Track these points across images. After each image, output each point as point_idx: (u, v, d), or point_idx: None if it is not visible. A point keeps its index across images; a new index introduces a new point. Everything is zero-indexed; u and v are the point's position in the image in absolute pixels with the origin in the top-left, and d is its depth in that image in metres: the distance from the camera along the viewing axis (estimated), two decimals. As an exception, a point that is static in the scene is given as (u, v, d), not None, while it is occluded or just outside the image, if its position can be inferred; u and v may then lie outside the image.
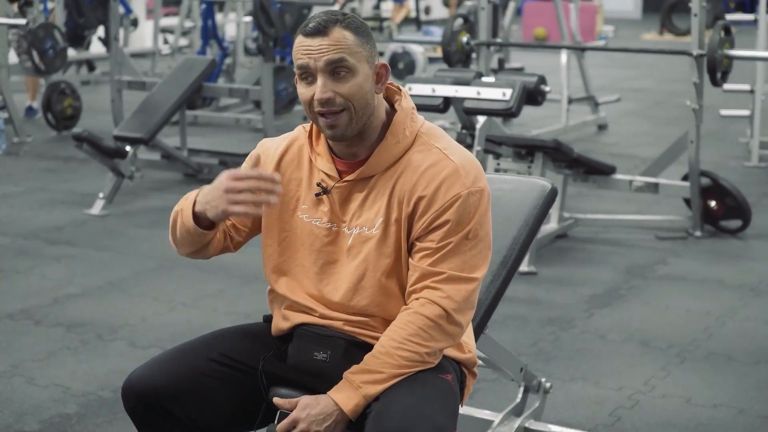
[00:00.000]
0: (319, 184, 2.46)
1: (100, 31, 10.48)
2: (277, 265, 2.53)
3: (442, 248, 2.37)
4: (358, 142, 2.42)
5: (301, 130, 2.55)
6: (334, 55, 2.33)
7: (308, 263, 2.48)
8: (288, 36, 9.65)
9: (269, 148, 2.55)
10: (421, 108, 5.49)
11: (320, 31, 2.33)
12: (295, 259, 2.50)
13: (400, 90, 2.50)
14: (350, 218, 2.44)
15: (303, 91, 2.38)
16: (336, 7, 13.17)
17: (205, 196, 2.38)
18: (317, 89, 2.34)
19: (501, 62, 9.95)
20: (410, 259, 2.41)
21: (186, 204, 2.44)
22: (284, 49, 9.68)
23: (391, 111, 2.46)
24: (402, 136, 2.42)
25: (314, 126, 2.49)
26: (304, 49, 2.34)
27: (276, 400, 2.39)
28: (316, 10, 13.76)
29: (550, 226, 5.79)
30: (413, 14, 16.74)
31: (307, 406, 2.32)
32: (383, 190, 2.41)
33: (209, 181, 2.38)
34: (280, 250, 2.52)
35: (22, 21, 7.73)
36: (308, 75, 2.36)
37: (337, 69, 2.33)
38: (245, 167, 2.45)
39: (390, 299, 2.44)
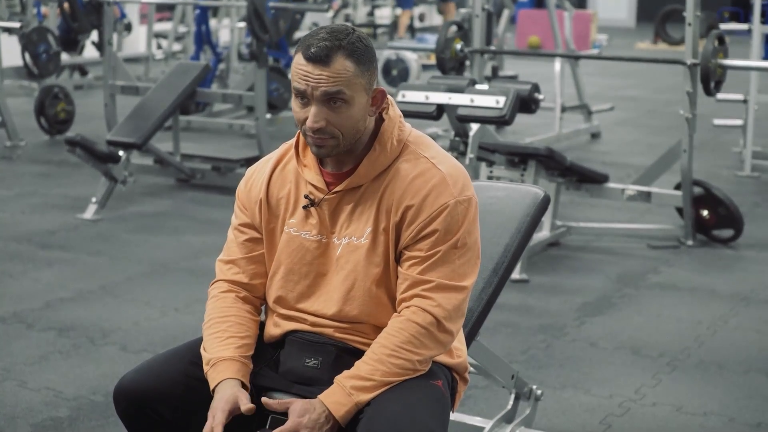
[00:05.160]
0: (306, 197, 2.46)
1: (94, 35, 10.48)
2: (269, 279, 2.54)
3: (431, 257, 2.38)
4: (346, 154, 2.42)
5: (285, 146, 2.55)
6: (332, 88, 2.30)
7: (299, 276, 2.49)
8: (283, 39, 9.66)
9: (256, 175, 2.56)
10: (414, 115, 5.58)
11: (321, 59, 2.29)
12: (285, 272, 2.50)
13: (388, 98, 2.50)
14: (339, 228, 2.44)
15: (297, 109, 2.37)
16: (330, 14, 13.19)
17: (213, 394, 2.41)
18: (310, 117, 2.33)
19: (495, 70, 9.97)
20: (399, 268, 2.42)
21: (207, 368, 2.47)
22: (278, 50, 9.69)
23: (379, 119, 2.46)
24: (390, 146, 2.42)
25: (301, 137, 2.50)
26: (303, 73, 2.32)
27: (265, 400, 2.35)
28: (310, 16, 13.70)
29: (543, 233, 5.79)
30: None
31: (306, 411, 2.30)
32: (372, 199, 2.42)
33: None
34: (272, 265, 2.53)
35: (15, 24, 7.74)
36: (303, 97, 2.34)
37: (332, 100, 2.32)
38: (237, 204, 2.56)
39: (380, 308, 2.44)
